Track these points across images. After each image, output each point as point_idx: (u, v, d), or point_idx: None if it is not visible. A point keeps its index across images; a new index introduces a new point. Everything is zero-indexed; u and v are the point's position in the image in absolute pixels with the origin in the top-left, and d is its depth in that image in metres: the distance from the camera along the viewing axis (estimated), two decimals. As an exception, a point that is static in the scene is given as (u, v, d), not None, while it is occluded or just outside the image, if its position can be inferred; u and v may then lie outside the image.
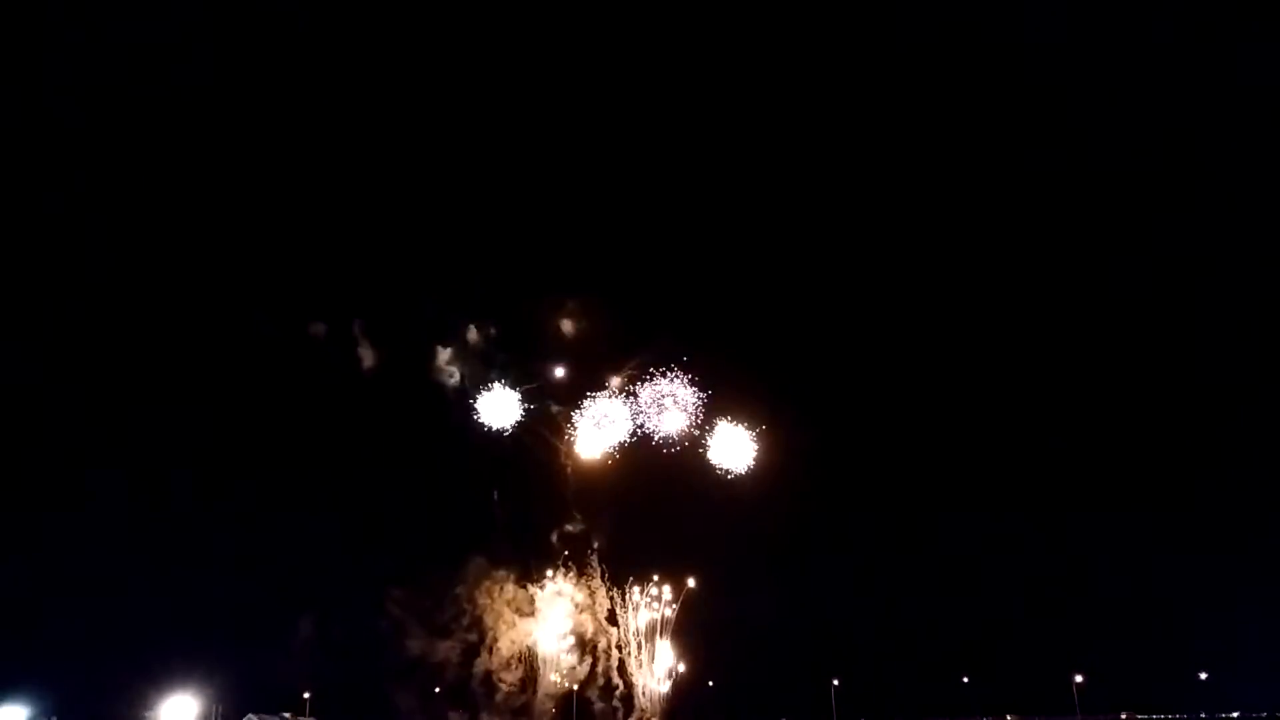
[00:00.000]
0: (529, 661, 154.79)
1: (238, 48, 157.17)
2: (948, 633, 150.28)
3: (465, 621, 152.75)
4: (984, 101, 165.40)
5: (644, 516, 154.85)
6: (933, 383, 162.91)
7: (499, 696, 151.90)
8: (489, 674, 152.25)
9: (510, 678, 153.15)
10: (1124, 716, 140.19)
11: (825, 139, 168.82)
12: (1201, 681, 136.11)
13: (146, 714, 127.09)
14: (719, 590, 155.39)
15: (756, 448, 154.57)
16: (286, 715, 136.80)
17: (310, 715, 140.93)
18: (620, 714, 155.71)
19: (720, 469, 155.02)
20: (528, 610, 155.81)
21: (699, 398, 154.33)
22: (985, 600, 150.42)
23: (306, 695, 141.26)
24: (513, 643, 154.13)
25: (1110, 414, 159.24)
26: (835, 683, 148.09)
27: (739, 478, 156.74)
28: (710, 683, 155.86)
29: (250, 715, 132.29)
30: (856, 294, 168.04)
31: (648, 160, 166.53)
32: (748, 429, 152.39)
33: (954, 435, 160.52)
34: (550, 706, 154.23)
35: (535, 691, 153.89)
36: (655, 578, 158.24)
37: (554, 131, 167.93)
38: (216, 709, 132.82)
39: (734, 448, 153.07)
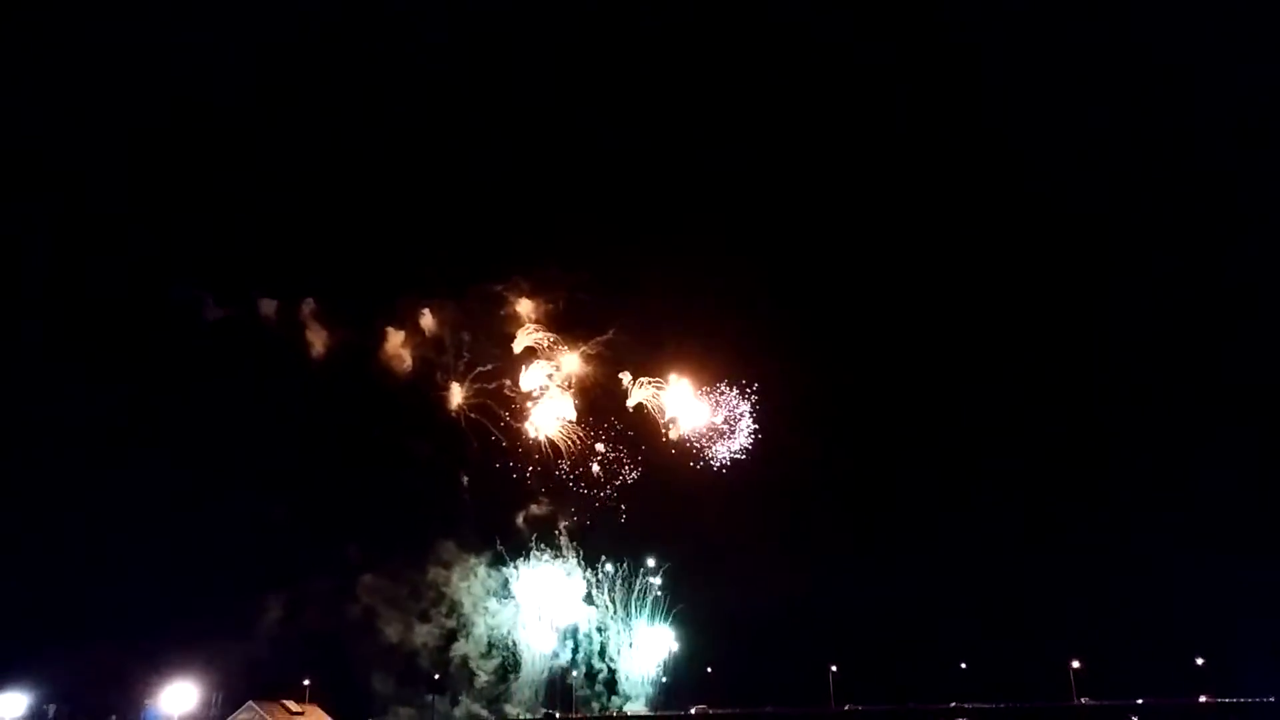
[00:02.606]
0: (507, 646, 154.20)
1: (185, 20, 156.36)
2: (945, 618, 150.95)
3: (442, 609, 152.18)
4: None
5: (622, 495, 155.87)
6: (935, 369, 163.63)
7: (479, 683, 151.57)
8: (466, 659, 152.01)
9: (489, 665, 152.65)
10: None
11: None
12: (1198, 667, 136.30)
13: (147, 701, 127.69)
14: (716, 574, 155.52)
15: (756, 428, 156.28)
16: (287, 703, 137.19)
17: (310, 702, 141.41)
18: (605, 698, 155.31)
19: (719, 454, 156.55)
20: (502, 595, 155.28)
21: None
22: (983, 586, 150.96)
23: (306, 682, 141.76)
24: (491, 629, 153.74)
25: (1107, 402, 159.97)
26: (833, 669, 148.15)
27: (735, 461, 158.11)
28: (709, 668, 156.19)
29: (250, 703, 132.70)
30: (855, 283, 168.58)
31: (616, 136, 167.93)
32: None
33: (955, 423, 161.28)
34: (532, 692, 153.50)
35: (516, 677, 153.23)
36: (625, 561, 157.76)
37: (511, 108, 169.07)
38: (217, 696, 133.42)
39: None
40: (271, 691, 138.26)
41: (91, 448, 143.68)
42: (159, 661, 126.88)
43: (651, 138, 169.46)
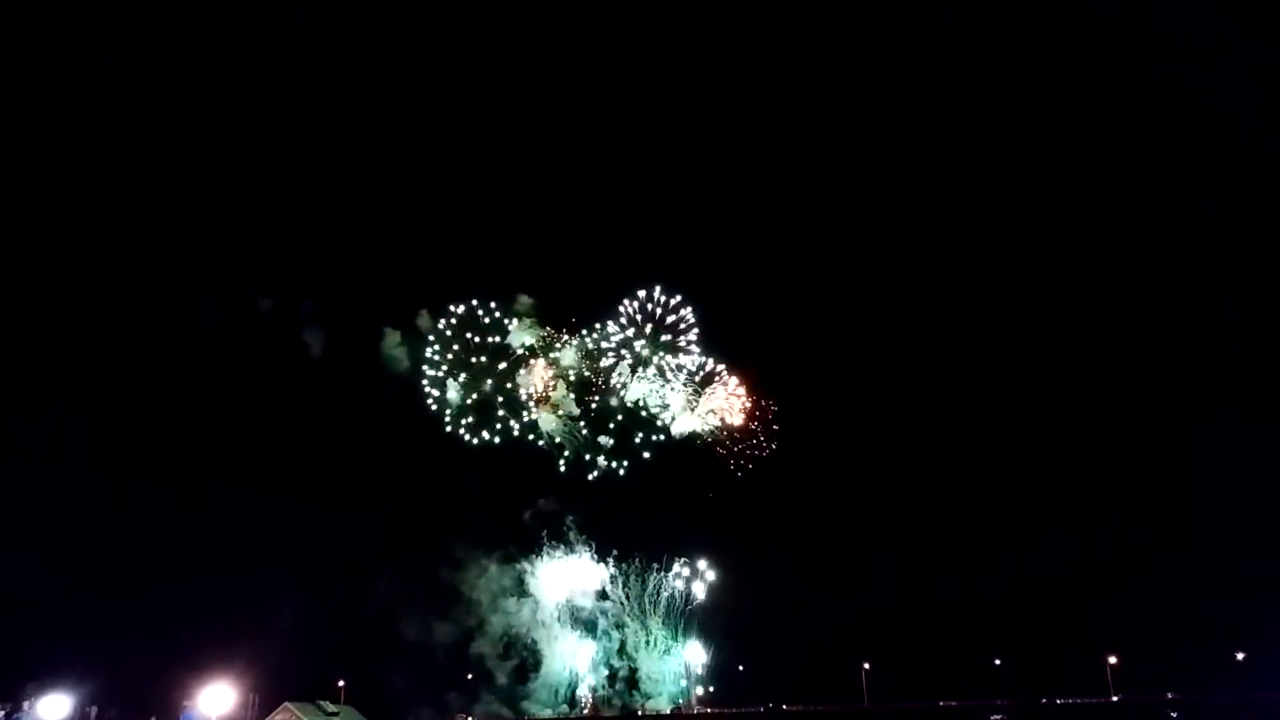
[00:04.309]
0: (526, 646, 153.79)
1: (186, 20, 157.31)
2: (979, 615, 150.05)
3: (459, 608, 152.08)
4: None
5: (636, 494, 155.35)
6: (965, 366, 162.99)
7: (499, 682, 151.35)
8: (484, 658, 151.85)
9: (508, 664, 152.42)
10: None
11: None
12: (1238, 662, 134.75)
13: (185, 702, 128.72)
14: (742, 573, 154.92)
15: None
16: (322, 703, 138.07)
17: (345, 703, 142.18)
18: (626, 696, 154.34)
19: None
20: (519, 593, 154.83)
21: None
22: (1017, 582, 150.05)
23: (341, 683, 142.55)
24: (509, 628, 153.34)
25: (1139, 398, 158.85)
26: (866, 666, 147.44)
27: (759, 458, 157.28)
28: (740, 667, 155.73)
29: (286, 703, 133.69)
30: (876, 274, 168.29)
31: (614, 147, 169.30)
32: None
33: (986, 420, 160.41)
34: (550, 692, 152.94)
35: (536, 676, 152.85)
36: (637, 557, 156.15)
37: (512, 116, 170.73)
38: (254, 698, 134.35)
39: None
40: (305, 692, 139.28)
41: (110, 452, 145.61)
42: (196, 663, 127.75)
43: (654, 131, 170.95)
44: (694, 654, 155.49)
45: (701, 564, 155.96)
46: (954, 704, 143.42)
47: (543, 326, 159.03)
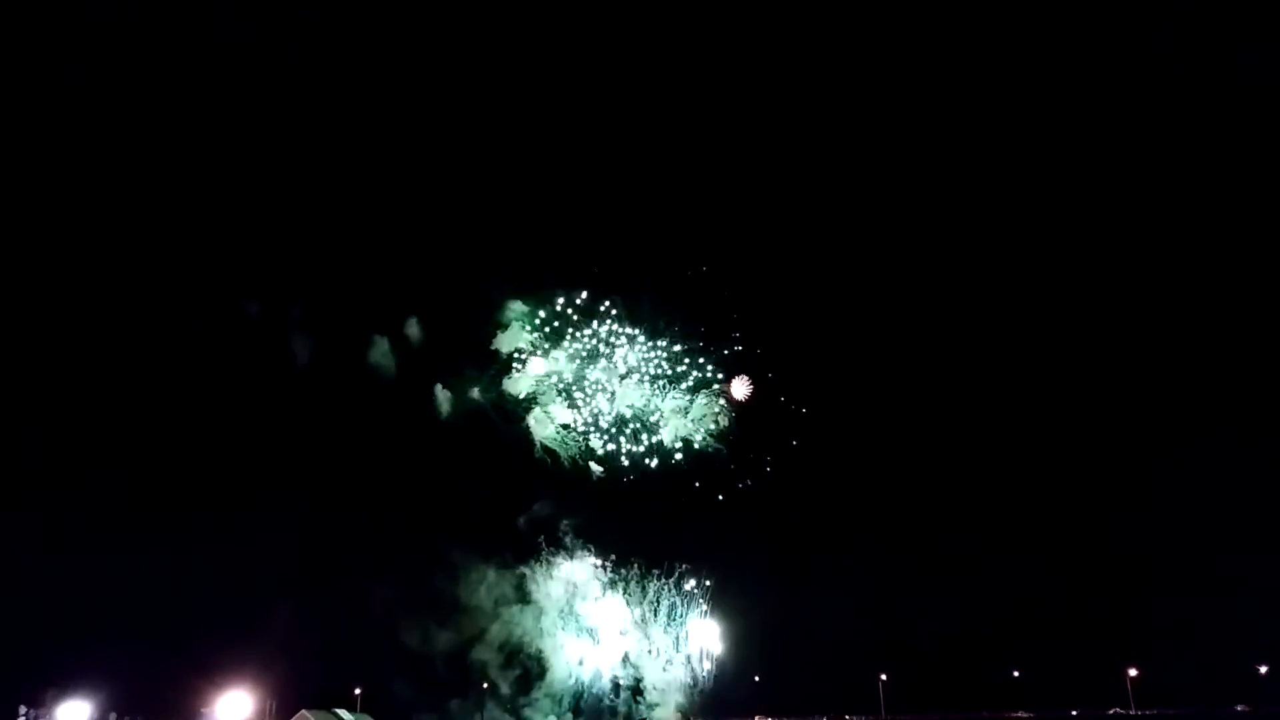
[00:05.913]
0: (529, 654, 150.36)
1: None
2: (997, 626, 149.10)
3: (461, 615, 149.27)
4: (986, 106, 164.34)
5: (633, 499, 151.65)
6: (975, 373, 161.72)
7: (502, 690, 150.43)
8: (486, 665, 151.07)
9: (512, 671, 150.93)
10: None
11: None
12: (1261, 675, 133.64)
13: (203, 710, 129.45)
14: (749, 581, 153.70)
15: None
16: (339, 711, 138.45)
17: (362, 711, 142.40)
18: (631, 705, 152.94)
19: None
20: (517, 599, 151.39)
21: None
22: (1035, 593, 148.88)
23: (358, 691, 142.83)
24: (511, 635, 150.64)
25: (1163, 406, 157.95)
26: (883, 677, 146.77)
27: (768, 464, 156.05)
28: (756, 677, 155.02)
29: (304, 711, 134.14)
30: (883, 273, 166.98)
31: (610, 153, 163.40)
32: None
33: (999, 428, 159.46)
34: (554, 701, 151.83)
35: (541, 684, 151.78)
36: (637, 564, 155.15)
37: (505, 121, 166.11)
38: (271, 705, 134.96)
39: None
40: (323, 700, 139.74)
41: (117, 457, 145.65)
42: (214, 671, 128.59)
43: (656, 134, 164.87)
44: (700, 661, 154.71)
45: (703, 571, 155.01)
46: (976, 715, 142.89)
47: (534, 330, 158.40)
